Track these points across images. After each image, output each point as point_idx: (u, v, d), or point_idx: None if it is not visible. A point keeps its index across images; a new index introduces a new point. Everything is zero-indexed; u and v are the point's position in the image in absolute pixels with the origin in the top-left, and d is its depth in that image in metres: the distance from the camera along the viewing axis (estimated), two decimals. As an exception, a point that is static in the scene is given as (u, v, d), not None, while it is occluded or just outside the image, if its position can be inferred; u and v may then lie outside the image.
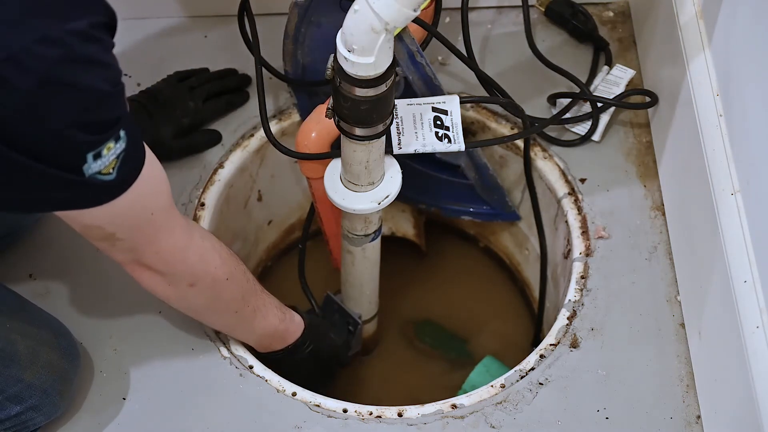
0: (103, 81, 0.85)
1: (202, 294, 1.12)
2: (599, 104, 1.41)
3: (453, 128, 1.23)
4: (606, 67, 1.49)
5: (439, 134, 1.22)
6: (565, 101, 1.43)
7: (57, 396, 1.15)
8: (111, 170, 0.90)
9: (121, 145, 0.89)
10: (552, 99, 1.46)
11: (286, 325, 1.26)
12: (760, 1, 1.14)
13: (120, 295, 1.28)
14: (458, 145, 1.23)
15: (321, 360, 1.35)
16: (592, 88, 1.46)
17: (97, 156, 0.87)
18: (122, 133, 0.89)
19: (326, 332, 1.39)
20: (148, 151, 0.97)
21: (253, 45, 1.31)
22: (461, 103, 1.24)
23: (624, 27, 1.56)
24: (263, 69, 1.31)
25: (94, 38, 0.84)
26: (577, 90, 1.43)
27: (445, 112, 1.23)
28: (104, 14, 0.87)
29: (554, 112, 1.44)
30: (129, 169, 0.93)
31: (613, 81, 1.46)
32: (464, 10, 1.35)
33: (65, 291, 1.29)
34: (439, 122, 1.22)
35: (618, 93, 1.44)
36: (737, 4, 1.22)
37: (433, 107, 1.23)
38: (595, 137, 1.44)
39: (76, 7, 0.83)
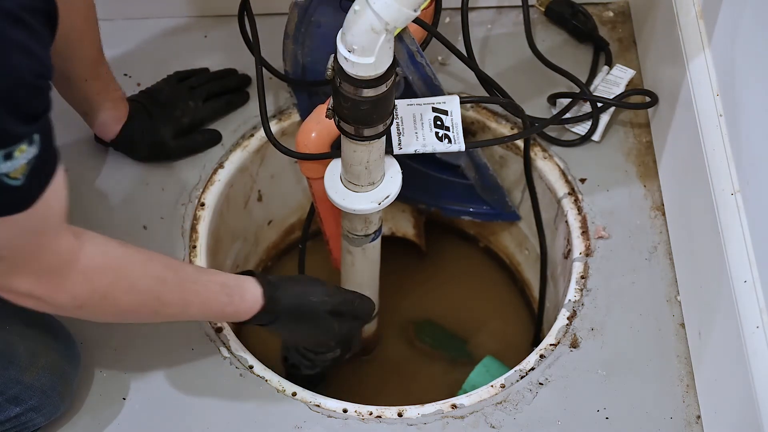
0: (27, 70, 0.78)
1: (95, 310, 1.04)
2: (599, 104, 1.41)
3: (453, 128, 1.23)
4: (606, 67, 1.49)
5: (439, 134, 1.22)
6: (565, 101, 1.43)
7: (57, 397, 1.15)
8: (20, 176, 0.82)
9: (33, 151, 0.82)
10: (552, 99, 1.46)
11: (235, 307, 1.15)
12: (761, 1, 1.14)
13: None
14: (458, 145, 1.23)
15: (310, 319, 1.22)
16: (592, 88, 1.46)
17: (8, 156, 0.80)
18: (37, 137, 0.82)
19: (307, 287, 1.23)
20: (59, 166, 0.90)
21: (253, 45, 1.31)
22: (461, 103, 1.24)
23: (624, 27, 1.56)
24: (263, 69, 1.31)
25: (23, 23, 0.77)
26: (577, 90, 1.43)
27: (446, 113, 1.23)
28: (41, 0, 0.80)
29: (554, 112, 1.44)
30: (39, 180, 0.85)
31: (613, 81, 1.46)
32: (464, 9, 1.35)
33: (65, 291, 1.29)
34: (439, 122, 1.22)
35: (618, 93, 1.44)
36: (737, 4, 1.22)
37: (433, 107, 1.23)
38: (595, 137, 1.44)
39: None
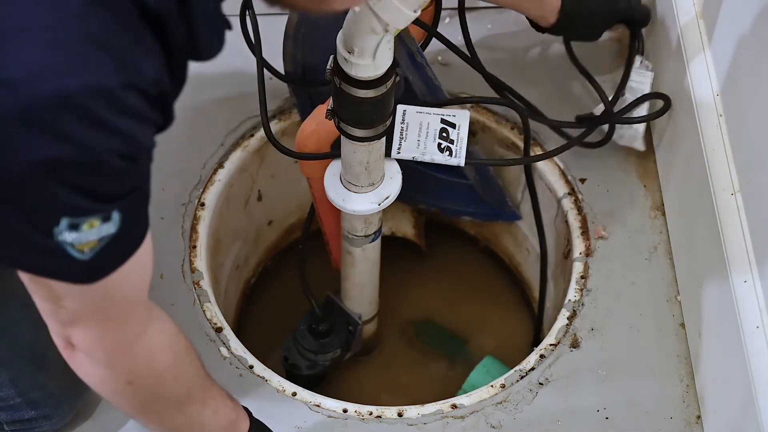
0: (100, 147, 0.72)
1: (140, 392, 0.96)
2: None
3: (458, 142, 1.22)
4: (638, 58, 1.42)
5: (442, 146, 1.21)
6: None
7: (69, 408, 1.16)
8: (86, 250, 0.76)
9: (109, 229, 0.76)
10: (579, 120, 1.41)
11: (237, 412, 1.08)
12: (760, 1, 1.14)
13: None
14: (458, 159, 1.22)
15: None
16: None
17: (74, 227, 0.74)
18: (116, 215, 0.76)
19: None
20: (148, 234, 0.83)
21: (255, 46, 1.31)
22: (461, 103, 1.24)
23: (624, 27, 1.56)
24: (264, 69, 1.31)
25: (110, 97, 0.71)
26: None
27: (453, 126, 1.22)
28: (141, 79, 0.73)
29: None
30: (109, 260, 0.79)
31: (636, 89, 1.39)
32: (461, 11, 1.35)
33: (65, 291, 1.29)
34: (444, 134, 1.22)
35: (642, 93, 1.38)
36: (737, 4, 1.22)
37: (442, 119, 1.22)
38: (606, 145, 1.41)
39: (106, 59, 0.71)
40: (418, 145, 1.21)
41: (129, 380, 0.94)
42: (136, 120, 0.73)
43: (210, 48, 0.80)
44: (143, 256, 0.83)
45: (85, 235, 0.75)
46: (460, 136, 1.22)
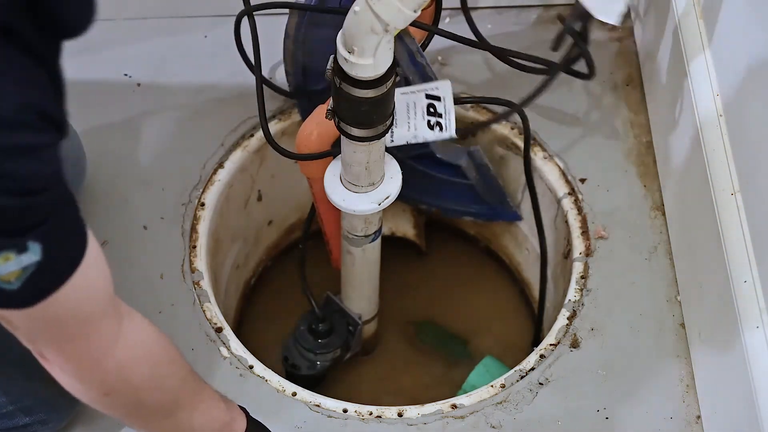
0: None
1: (119, 402, 0.96)
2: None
3: (446, 115, 1.21)
4: None
5: (431, 123, 1.21)
6: None
7: (65, 412, 1.16)
8: (13, 280, 0.75)
9: (31, 258, 0.74)
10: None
11: (232, 414, 1.09)
12: (760, 2, 1.15)
13: (118, 294, 1.28)
14: (449, 132, 1.21)
15: None
16: None
17: None
18: (33, 245, 0.74)
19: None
20: (90, 251, 0.81)
21: (255, 67, 1.27)
22: (461, 102, 1.24)
23: (624, 27, 1.56)
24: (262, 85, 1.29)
25: None
26: None
27: (438, 99, 1.21)
28: (5, 112, 0.69)
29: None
30: (41, 285, 0.77)
31: None
32: (465, 10, 1.34)
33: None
34: (432, 109, 1.21)
35: None
36: (737, 4, 1.22)
37: (426, 94, 1.21)
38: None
39: None
40: (409, 127, 1.20)
41: (105, 392, 0.93)
42: (13, 157, 0.70)
43: (80, 19, 0.74)
44: (87, 274, 0.81)
45: (4, 268, 0.73)
46: (447, 107, 1.21)
